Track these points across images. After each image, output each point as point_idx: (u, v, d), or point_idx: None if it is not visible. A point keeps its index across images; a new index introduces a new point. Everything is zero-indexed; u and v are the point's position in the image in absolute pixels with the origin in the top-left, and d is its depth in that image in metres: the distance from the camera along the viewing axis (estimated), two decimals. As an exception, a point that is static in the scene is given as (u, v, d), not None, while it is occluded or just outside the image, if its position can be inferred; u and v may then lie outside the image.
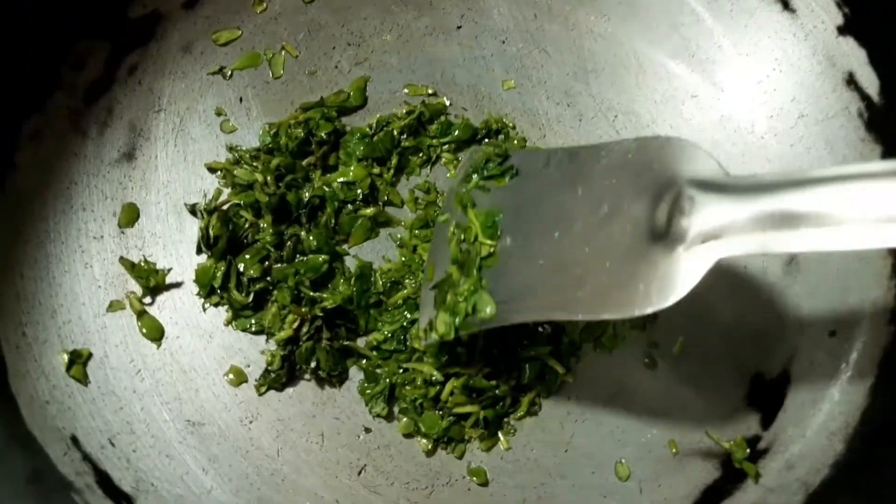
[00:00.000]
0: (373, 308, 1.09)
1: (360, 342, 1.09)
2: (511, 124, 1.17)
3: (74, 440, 0.99)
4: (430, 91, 1.18)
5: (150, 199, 1.12)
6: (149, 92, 1.14)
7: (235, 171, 1.10)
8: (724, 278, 1.10)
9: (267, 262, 1.09)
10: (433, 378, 1.03)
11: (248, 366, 1.08)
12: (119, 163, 1.12)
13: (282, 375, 1.06)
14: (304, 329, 1.05)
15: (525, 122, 1.18)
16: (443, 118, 1.17)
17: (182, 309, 1.09)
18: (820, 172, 0.76)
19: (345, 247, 1.13)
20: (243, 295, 1.07)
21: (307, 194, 1.11)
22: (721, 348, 1.09)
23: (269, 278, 1.08)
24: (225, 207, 1.10)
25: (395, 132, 1.15)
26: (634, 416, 1.07)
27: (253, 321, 1.08)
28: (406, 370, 1.06)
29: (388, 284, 1.09)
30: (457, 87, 1.19)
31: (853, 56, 1.10)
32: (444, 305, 0.97)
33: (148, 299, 1.09)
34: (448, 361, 1.03)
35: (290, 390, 1.08)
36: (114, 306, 1.07)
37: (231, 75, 1.17)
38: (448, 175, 1.15)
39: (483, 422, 1.05)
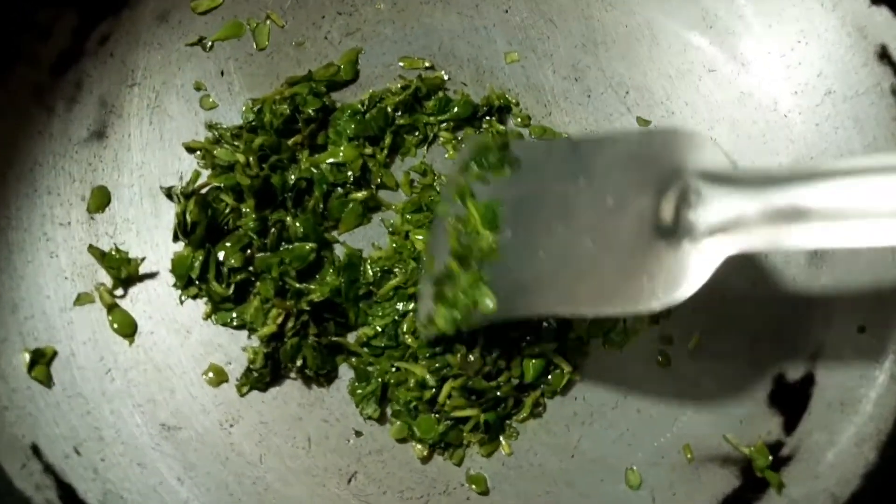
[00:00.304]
0: (362, 300, 1.08)
1: (351, 338, 1.07)
2: (514, 100, 1.16)
3: (35, 450, 0.96)
4: (426, 64, 1.16)
5: (123, 181, 1.09)
6: (121, 64, 1.10)
7: (215, 152, 1.08)
8: (743, 269, 1.09)
9: (249, 251, 1.06)
10: (427, 381, 1.02)
11: (229, 364, 1.05)
12: (88, 142, 1.08)
13: (265, 374, 1.04)
14: (290, 324, 1.02)
15: (529, 98, 1.16)
16: (441, 94, 1.15)
17: (157, 302, 1.06)
18: (832, 165, 0.77)
19: (334, 234, 1.11)
20: (223, 286, 1.05)
21: (293, 177, 1.09)
22: (740, 345, 1.07)
23: (251, 268, 1.06)
24: (204, 191, 1.08)
25: (389, 109, 1.13)
26: (646, 419, 1.06)
27: (234, 315, 1.06)
28: (399, 369, 1.04)
29: (379, 274, 1.07)
30: (456, 60, 1.17)
31: (887, 28, 1.07)
32: (443, 299, 0.98)
33: (119, 291, 1.06)
34: (444, 360, 1.02)
35: (274, 390, 1.05)
36: (82, 299, 1.04)
37: (211, 46, 1.14)
38: (446, 156, 1.14)
39: (483, 425, 1.03)
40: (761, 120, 1.13)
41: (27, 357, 0.98)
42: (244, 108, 1.12)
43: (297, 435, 1.03)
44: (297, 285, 1.04)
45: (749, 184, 0.79)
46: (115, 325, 1.03)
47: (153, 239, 1.07)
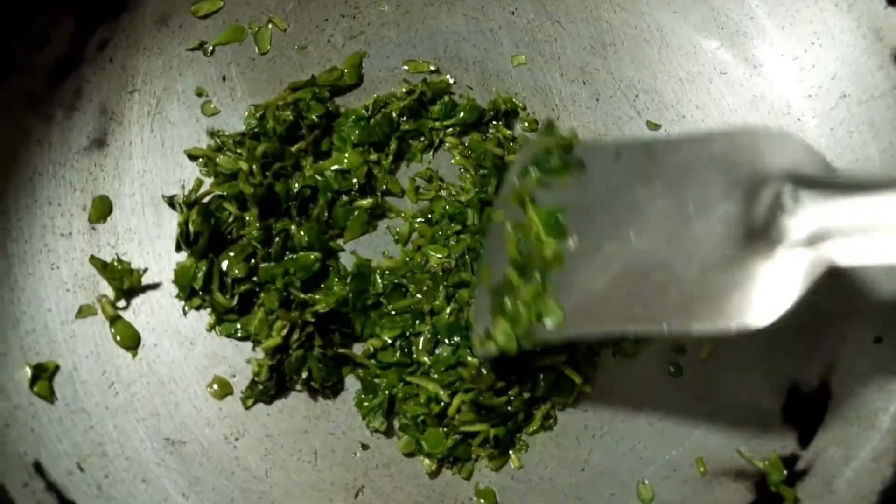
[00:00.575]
0: (371, 310, 1.06)
1: (357, 348, 1.06)
2: (521, 104, 1.15)
3: (38, 467, 0.94)
4: (432, 68, 1.16)
5: (124, 190, 1.08)
6: (121, 70, 1.10)
7: (218, 159, 1.08)
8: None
9: (253, 261, 1.05)
10: (440, 396, 1.00)
11: (234, 376, 1.05)
12: (89, 150, 1.07)
13: (270, 387, 1.02)
14: (295, 336, 1.01)
15: (537, 101, 1.15)
16: (446, 98, 1.14)
17: (160, 313, 1.05)
18: None
19: (339, 242, 1.10)
20: (227, 297, 1.04)
21: (297, 184, 1.08)
22: (753, 355, 1.05)
23: (255, 279, 1.05)
24: (206, 200, 1.07)
25: (394, 114, 1.12)
26: (658, 431, 1.04)
27: (238, 326, 1.05)
28: (408, 383, 1.02)
29: (390, 287, 1.06)
30: (462, 64, 1.16)
31: (904, 30, 1.06)
32: (503, 312, 0.94)
33: (122, 303, 1.05)
34: (456, 374, 1.01)
35: (279, 403, 1.04)
36: (84, 312, 1.03)
37: (213, 51, 1.14)
38: (452, 161, 1.13)
39: (493, 440, 1.01)
40: (774, 124, 1.12)
41: (29, 372, 0.97)
42: (247, 114, 1.11)
43: (303, 448, 1.02)
44: (302, 296, 1.03)
45: (853, 188, 0.76)
46: (118, 338, 1.02)
47: (155, 249, 1.06)
